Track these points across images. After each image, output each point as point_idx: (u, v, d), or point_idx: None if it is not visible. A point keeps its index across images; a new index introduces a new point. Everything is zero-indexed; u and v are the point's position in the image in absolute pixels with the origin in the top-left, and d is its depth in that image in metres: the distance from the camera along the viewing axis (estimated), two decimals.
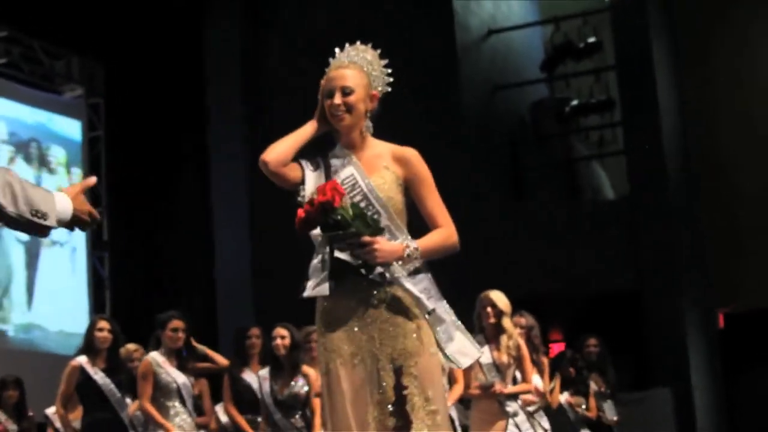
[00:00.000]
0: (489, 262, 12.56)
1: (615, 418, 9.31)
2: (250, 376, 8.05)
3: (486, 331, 7.53)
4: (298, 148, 4.12)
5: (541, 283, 12.99)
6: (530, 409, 7.73)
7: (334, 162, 4.16)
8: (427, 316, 3.98)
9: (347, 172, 4.10)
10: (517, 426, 7.43)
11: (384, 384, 3.94)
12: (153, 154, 14.12)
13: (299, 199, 4.06)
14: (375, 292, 3.99)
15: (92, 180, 3.36)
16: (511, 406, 7.47)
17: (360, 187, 4.06)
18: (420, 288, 3.99)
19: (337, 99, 4.09)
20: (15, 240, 12.44)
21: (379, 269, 3.94)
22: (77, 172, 13.46)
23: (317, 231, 3.95)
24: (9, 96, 12.88)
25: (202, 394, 8.43)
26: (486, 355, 7.44)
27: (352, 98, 4.09)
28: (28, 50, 13.19)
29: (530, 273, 12.90)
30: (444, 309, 4.04)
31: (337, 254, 3.95)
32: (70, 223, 3.20)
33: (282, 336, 7.81)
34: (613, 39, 14.11)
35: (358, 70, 4.14)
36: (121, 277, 13.83)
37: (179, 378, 7.65)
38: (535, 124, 15.40)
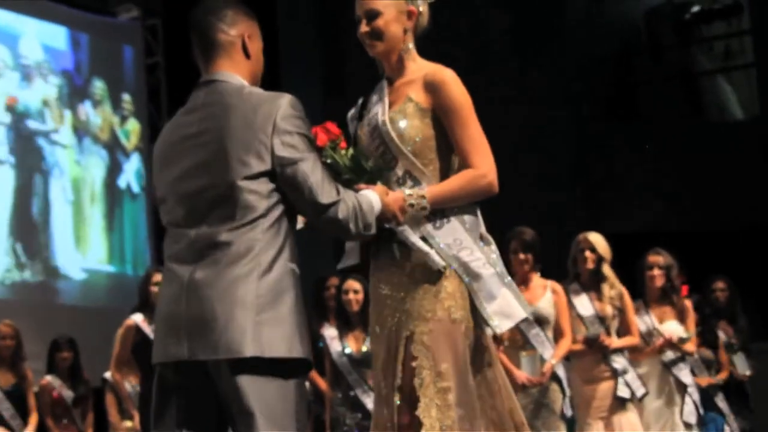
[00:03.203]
0: (595, 194, 12.48)
1: (747, 373, 9.20)
2: (329, 332, 8.07)
3: (582, 278, 7.57)
4: None
5: (656, 215, 12.92)
6: (667, 359, 7.80)
7: (373, 97, 4.06)
8: (446, 270, 3.82)
9: (374, 110, 3.99)
10: (627, 384, 7.45)
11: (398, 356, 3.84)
12: None
13: None
14: (399, 252, 3.88)
15: None
16: (619, 362, 7.48)
17: (378, 126, 3.93)
18: (448, 239, 3.84)
19: (363, 27, 3.97)
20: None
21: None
22: (127, 98, 13.59)
23: None
24: (51, 18, 12.88)
25: None
26: (586, 305, 7.49)
27: (380, 22, 3.95)
28: None
29: (644, 204, 12.80)
30: (484, 261, 3.86)
31: None
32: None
33: (355, 290, 7.85)
34: None
35: None
36: None
37: None
38: (651, 33, 15.18)
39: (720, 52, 15.39)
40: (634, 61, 14.80)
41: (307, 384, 8.20)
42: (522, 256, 7.24)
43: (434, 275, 3.84)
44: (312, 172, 3.39)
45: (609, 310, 7.50)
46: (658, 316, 8.02)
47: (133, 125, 13.51)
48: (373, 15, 3.96)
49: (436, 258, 3.83)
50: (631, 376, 7.50)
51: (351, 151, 3.89)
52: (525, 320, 4.21)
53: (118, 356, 8.07)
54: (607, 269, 7.53)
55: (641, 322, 7.90)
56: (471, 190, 3.87)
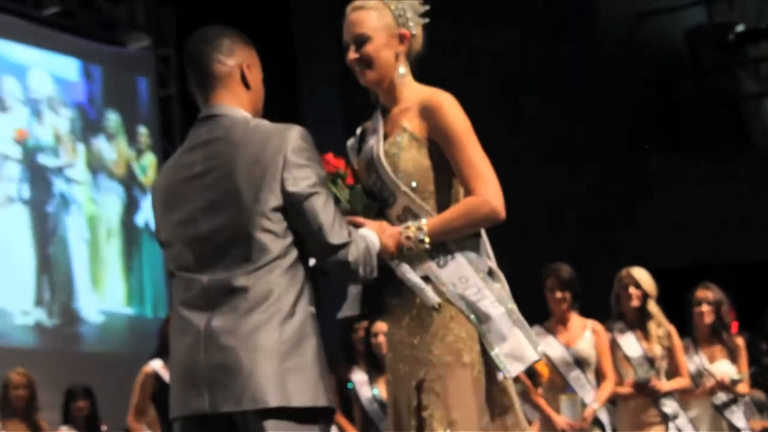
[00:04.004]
0: (638, 226, 12.38)
1: None
2: (359, 377, 7.99)
3: (627, 317, 7.46)
4: None
5: (703, 248, 12.81)
6: (719, 402, 7.65)
7: (371, 126, 3.96)
8: (453, 311, 3.69)
9: (370, 142, 3.89)
10: (679, 430, 7.35)
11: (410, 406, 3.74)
12: None
13: None
14: (405, 293, 3.76)
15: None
16: (670, 406, 7.37)
17: (373, 160, 3.81)
18: (453, 278, 3.70)
19: (351, 53, 3.85)
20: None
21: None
22: (143, 131, 13.52)
23: None
24: (62, 50, 12.91)
25: None
26: (633, 345, 7.39)
27: (369, 48, 3.83)
28: None
29: (689, 236, 12.67)
30: (492, 299, 3.71)
31: None
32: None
33: (385, 332, 7.72)
34: None
35: (374, 8, 3.85)
36: None
37: None
38: (693, 56, 15.09)
39: (766, 73, 15.22)
40: (676, 86, 14.71)
41: (337, 430, 8.08)
42: (559, 294, 7.16)
43: (441, 317, 3.70)
44: (323, 210, 3.34)
45: (657, 350, 7.37)
46: (708, 356, 7.84)
47: (150, 159, 13.49)
48: (362, 41, 3.83)
49: (430, 294, 3.69)
50: (682, 420, 7.39)
51: (359, 186, 3.78)
52: (537, 361, 3.99)
53: (137, 405, 7.97)
54: (653, 306, 7.41)
55: (690, 362, 7.74)
56: (473, 219, 3.70)
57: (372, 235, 3.54)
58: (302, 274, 3.34)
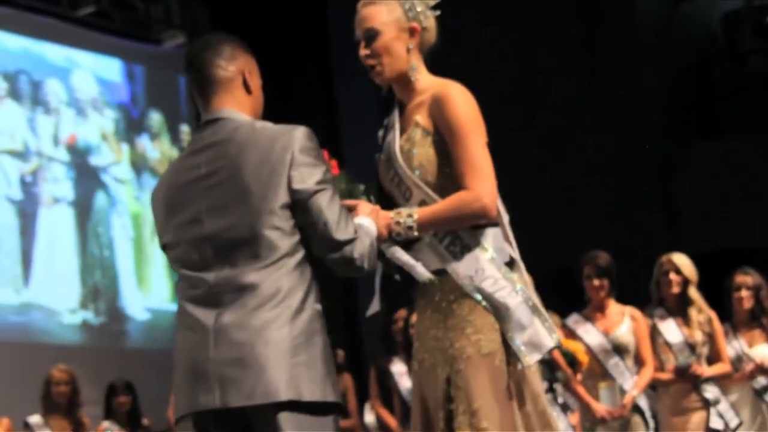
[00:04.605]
0: (677, 212, 12.32)
1: None
2: (398, 367, 8.02)
3: (668, 302, 7.44)
4: None
5: (742, 233, 12.76)
6: (758, 386, 7.67)
7: (390, 122, 3.99)
8: (473, 303, 3.73)
9: (388, 138, 3.92)
10: (720, 415, 7.32)
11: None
12: (270, 109, 14.09)
13: None
14: (428, 287, 3.83)
15: None
16: (711, 392, 7.36)
17: (391, 157, 3.87)
18: (470, 271, 3.73)
19: (362, 49, 3.89)
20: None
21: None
22: (185, 129, 13.59)
23: None
24: (101, 50, 12.99)
25: (345, 391, 8.43)
26: (674, 331, 7.37)
27: (379, 43, 3.86)
28: None
29: (728, 222, 12.61)
30: (509, 289, 3.73)
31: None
32: None
33: None
34: None
35: (384, 3, 3.88)
36: None
37: None
38: (729, 40, 14.96)
39: None
40: (714, 72, 14.59)
41: (375, 420, 8.12)
42: (596, 281, 7.17)
43: (461, 310, 3.75)
44: (329, 206, 3.37)
45: (698, 336, 7.37)
46: (747, 341, 7.86)
47: None
48: (371, 35, 3.87)
49: (421, 270, 3.76)
50: (724, 406, 7.37)
51: (342, 173, 3.84)
52: (556, 348, 4.02)
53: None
54: (693, 292, 7.41)
55: (730, 347, 7.74)
56: (462, 213, 3.71)
57: (370, 223, 3.58)
58: (309, 271, 3.38)
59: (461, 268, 3.75)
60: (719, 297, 7.92)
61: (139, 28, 13.60)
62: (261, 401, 3.25)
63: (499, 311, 3.72)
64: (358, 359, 10.45)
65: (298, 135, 3.40)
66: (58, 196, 12.00)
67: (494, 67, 12.88)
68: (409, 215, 3.70)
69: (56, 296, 11.77)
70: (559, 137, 12.94)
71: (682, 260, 7.42)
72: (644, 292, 7.64)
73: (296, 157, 3.36)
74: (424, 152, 3.79)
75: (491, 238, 3.80)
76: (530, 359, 3.72)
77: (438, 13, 3.95)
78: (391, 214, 3.72)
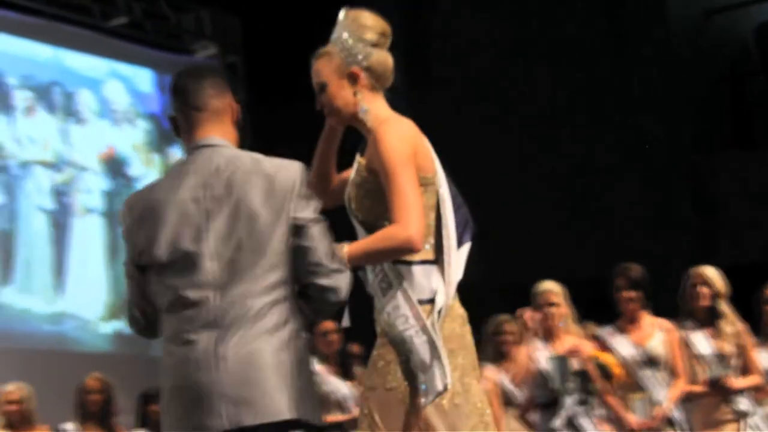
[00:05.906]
0: (710, 223, 12.27)
1: None
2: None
3: (696, 315, 7.42)
4: (324, 159, 4.16)
5: None
6: None
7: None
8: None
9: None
10: (753, 428, 7.31)
11: None
12: (303, 121, 14.03)
13: None
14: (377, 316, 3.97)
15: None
16: (744, 404, 7.34)
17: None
18: (390, 305, 3.83)
19: (317, 102, 4.02)
20: None
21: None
22: None
23: None
24: (133, 60, 13.10)
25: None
26: (704, 344, 7.35)
27: (327, 94, 3.98)
28: (150, 5, 13.27)
29: (759, 234, 12.53)
30: (417, 328, 3.79)
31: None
32: None
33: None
34: None
35: (326, 55, 4.00)
36: None
37: (341, 388, 7.68)
38: (762, 52, 14.91)
39: None
40: (746, 83, 14.52)
41: None
42: (627, 294, 7.14)
43: (380, 342, 3.89)
44: (322, 238, 3.48)
45: (729, 348, 7.34)
46: None
47: None
48: (321, 88, 4.00)
49: (344, 315, 3.88)
50: (756, 418, 7.35)
51: None
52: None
53: None
54: (724, 306, 7.40)
55: (761, 359, 7.66)
56: (388, 246, 3.76)
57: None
58: (301, 302, 3.50)
59: (385, 305, 3.84)
60: (750, 309, 7.87)
61: (171, 38, 13.71)
62: (267, 420, 3.33)
63: (405, 349, 3.80)
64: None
65: (299, 169, 3.52)
66: (90, 207, 12.09)
67: (525, 89, 12.92)
68: (341, 249, 3.74)
69: (88, 305, 11.86)
70: (592, 152, 12.93)
71: (711, 273, 7.40)
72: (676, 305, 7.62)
73: (298, 189, 3.48)
74: (364, 191, 3.89)
75: (415, 275, 3.85)
76: (425, 401, 3.78)
77: (384, 43, 4.04)
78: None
